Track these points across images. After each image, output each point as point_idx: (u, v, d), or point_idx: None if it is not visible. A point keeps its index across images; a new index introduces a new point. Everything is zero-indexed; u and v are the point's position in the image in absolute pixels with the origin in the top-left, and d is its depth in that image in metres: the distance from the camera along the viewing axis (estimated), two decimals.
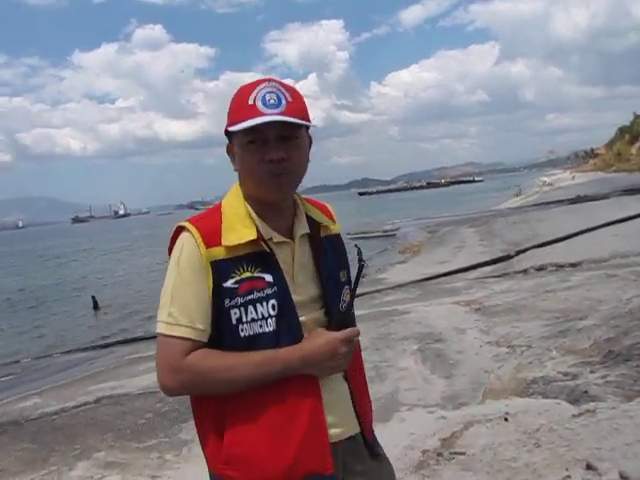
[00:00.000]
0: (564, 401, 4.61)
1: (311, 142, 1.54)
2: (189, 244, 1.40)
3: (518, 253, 13.95)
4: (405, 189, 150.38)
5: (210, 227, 1.42)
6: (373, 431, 1.64)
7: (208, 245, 1.39)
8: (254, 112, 1.39)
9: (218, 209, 1.48)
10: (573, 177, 77.39)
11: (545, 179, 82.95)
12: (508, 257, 13.53)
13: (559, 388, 4.94)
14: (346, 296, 1.56)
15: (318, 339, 1.41)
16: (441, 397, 5.16)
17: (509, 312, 7.93)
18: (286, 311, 1.42)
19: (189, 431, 5.15)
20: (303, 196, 1.60)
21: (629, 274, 9.47)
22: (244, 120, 1.39)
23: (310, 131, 1.53)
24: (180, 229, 1.45)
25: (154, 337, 1.44)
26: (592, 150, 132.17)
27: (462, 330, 7.33)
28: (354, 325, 1.49)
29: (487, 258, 13.66)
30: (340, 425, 1.50)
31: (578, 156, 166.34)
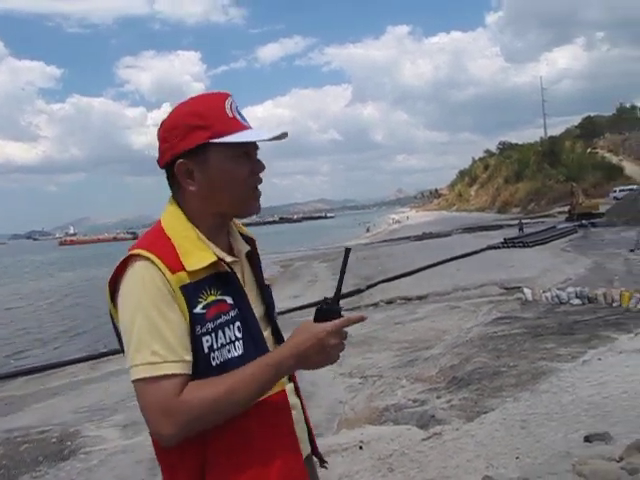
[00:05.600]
0: (414, 426, 4.84)
1: None
2: (151, 272, 1.26)
3: (369, 287, 14.52)
4: (258, 223, 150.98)
5: (167, 252, 1.29)
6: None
7: (173, 270, 1.26)
8: (241, 125, 1.36)
9: (162, 234, 1.34)
10: (407, 217, 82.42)
11: (394, 216, 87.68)
12: (359, 291, 14.05)
13: (409, 414, 5.18)
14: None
15: (303, 333, 1.32)
16: None
17: (361, 344, 8.20)
18: (252, 331, 1.37)
19: None
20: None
21: (469, 306, 10.24)
22: (234, 132, 1.34)
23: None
24: (131, 258, 1.28)
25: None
26: (436, 190, 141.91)
27: None
28: (341, 316, 1.37)
29: None
30: (303, 445, 1.46)
31: (424, 195, 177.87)
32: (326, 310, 1.36)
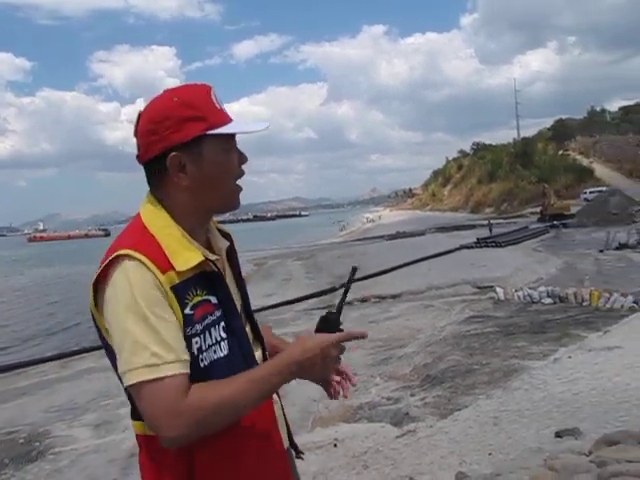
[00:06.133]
0: (388, 424, 4.87)
1: None
2: (141, 272, 1.21)
3: (342, 286, 14.54)
4: (232, 221, 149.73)
5: (155, 251, 1.24)
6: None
7: (163, 270, 1.22)
8: (228, 117, 1.33)
9: (144, 231, 1.29)
10: (381, 216, 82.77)
11: (368, 215, 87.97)
12: (333, 289, 14.05)
13: (383, 412, 5.21)
14: None
15: (308, 342, 1.29)
16: None
17: None
18: (236, 331, 1.35)
19: None
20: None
21: (443, 304, 10.33)
22: (225, 124, 1.31)
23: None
24: (119, 258, 1.22)
25: None
26: (410, 190, 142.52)
27: None
28: (341, 329, 1.37)
29: (313, 290, 14.04)
30: (284, 438, 1.47)
31: (398, 195, 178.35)
32: (331, 320, 1.36)
